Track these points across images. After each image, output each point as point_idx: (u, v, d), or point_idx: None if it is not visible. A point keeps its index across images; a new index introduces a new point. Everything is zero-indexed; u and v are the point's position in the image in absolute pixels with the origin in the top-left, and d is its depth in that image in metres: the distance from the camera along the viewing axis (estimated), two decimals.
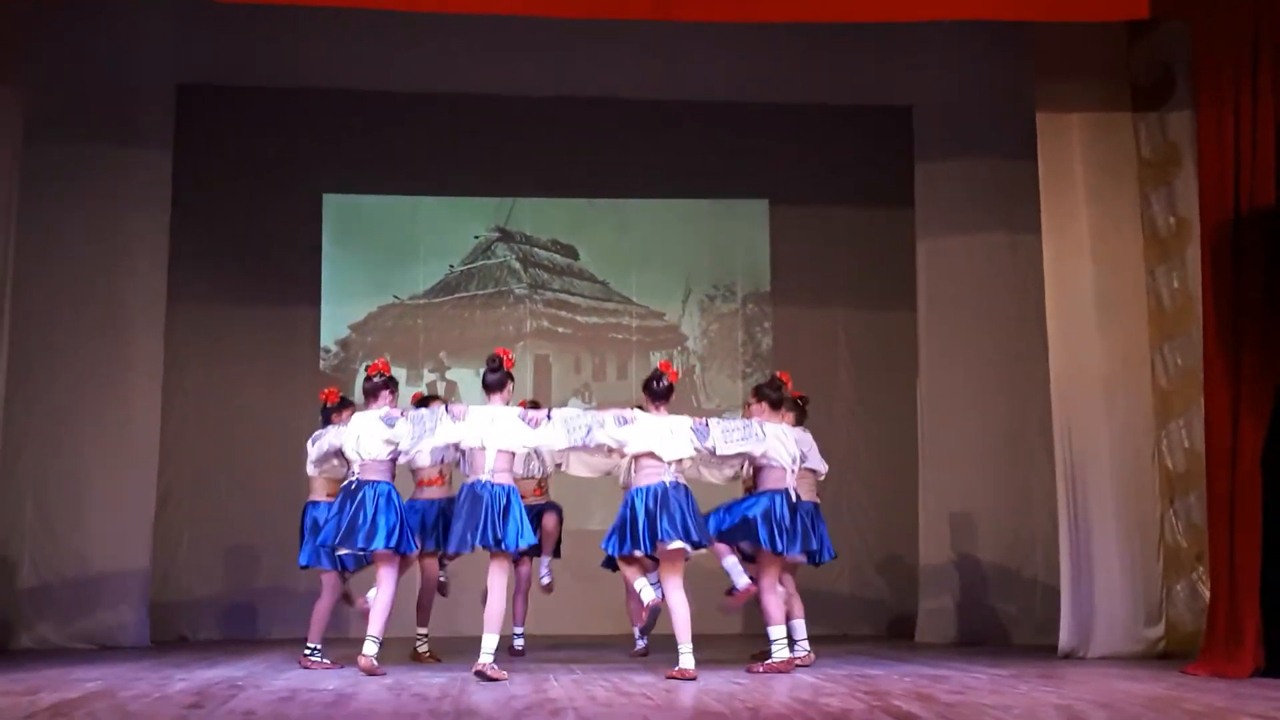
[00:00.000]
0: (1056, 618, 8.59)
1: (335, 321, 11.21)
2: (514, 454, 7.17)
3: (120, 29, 9.54)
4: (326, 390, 7.99)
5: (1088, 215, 8.72)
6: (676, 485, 7.07)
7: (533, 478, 8.51)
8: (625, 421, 7.13)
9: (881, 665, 7.79)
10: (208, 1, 8.09)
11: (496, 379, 7.25)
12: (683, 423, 7.18)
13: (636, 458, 7.13)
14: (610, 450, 7.24)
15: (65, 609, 9.19)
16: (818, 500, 7.86)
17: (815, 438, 7.95)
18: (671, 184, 11.44)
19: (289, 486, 8.31)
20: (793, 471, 7.36)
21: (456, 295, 11.41)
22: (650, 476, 7.08)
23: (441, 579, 8.37)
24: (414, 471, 8.03)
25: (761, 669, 7.21)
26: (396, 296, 11.34)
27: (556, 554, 8.70)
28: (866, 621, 10.80)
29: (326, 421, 7.76)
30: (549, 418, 7.15)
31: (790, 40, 9.69)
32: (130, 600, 9.36)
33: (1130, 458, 8.55)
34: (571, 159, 11.28)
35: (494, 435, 7.07)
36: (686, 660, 6.97)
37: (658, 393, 7.22)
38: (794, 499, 7.33)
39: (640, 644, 8.30)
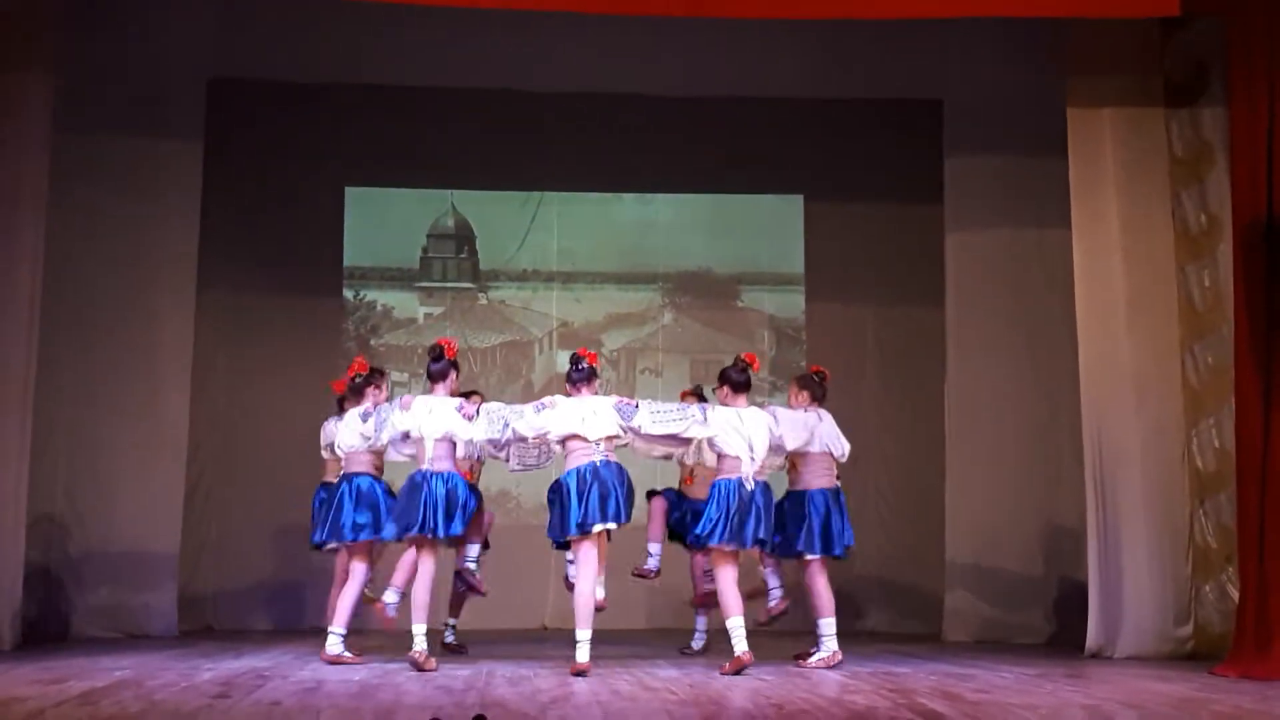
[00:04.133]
0: (1084, 616, 8.55)
1: (360, 314, 11.25)
2: (453, 443, 7.25)
3: (153, 22, 9.59)
4: (338, 381, 8.21)
5: (1118, 212, 8.66)
6: (607, 463, 7.05)
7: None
8: (543, 407, 7.17)
9: (907, 663, 7.77)
10: None
11: (440, 368, 7.37)
12: (605, 402, 7.18)
13: (565, 441, 7.13)
14: (538, 441, 7.24)
15: (94, 598, 9.26)
16: (836, 485, 7.69)
17: (842, 430, 7.83)
18: (704, 180, 11.43)
19: (316, 475, 8.39)
20: (752, 458, 7.21)
21: (480, 287, 11.43)
22: (580, 458, 7.07)
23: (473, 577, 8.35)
24: None
25: (730, 668, 7.06)
26: (420, 288, 11.37)
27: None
28: (891, 617, 10.77)
29: (341, 411, 8.04)
30: (478, 412, 7.23)
31: (822, 36, 9.65)
32: (159, 589, 9.43)
33: (1160, 456, 8.48)
34: (602, 154, 11.27)
35: (430, 425, 7.19)
36: (583, 653, 6.93)
37: (575, 378, 7.23)
38: (749, 488, 7.17)
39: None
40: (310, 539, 8.09)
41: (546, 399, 7.29)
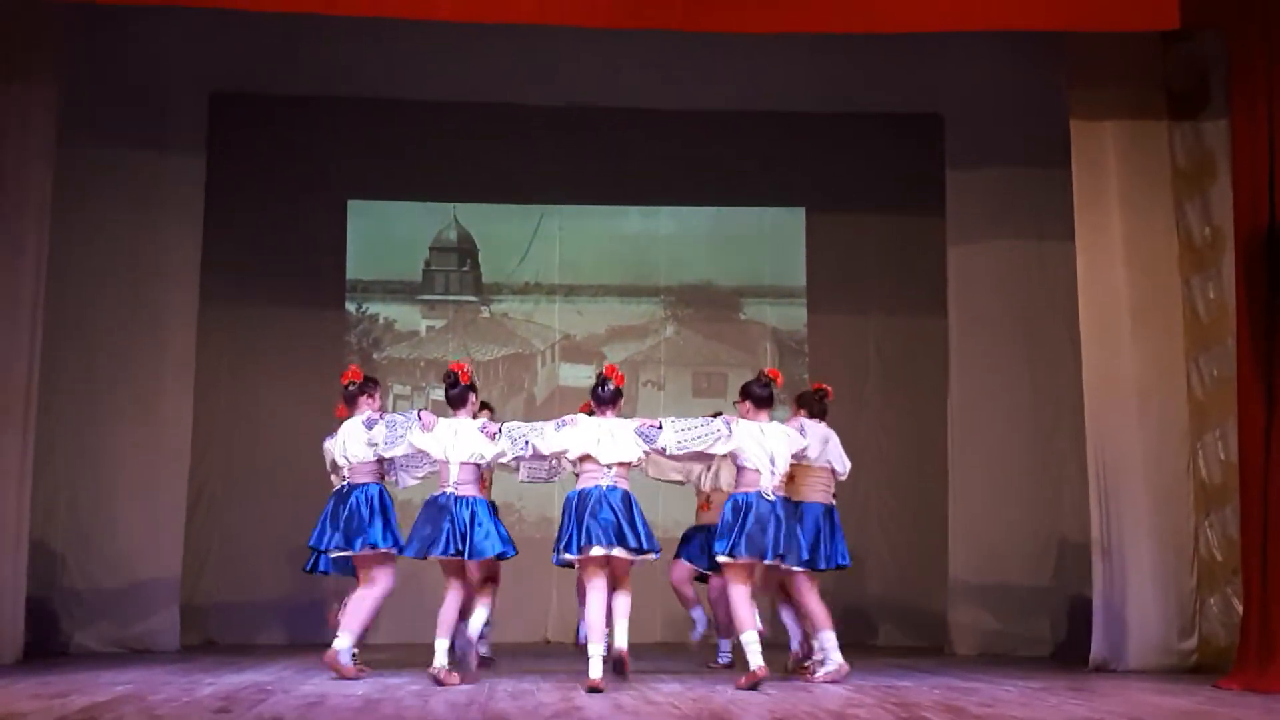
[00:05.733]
0: (1087, 629, 8.53)
1: (363, 327, 11.26)
2: (478, 465, 7.21)
3: (156, 35, 9.60)
4: (340, 406, 8.10)
5: (1121, 223, 8.65)
6: (613, 489, 6.98)
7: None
8: (564, 425, 7.11)
9: (911, 676, 7.75)
10: (240, 10, 8.15)
11: (457, 394, 7.32)
12: (626, 426, 7.10)
13: (579, 460, 7.09)
14: (554, 457, 7.21)
15: (96, 612, 9.25)
16: (831, 503, 7.69)
17: (844, 443, 7.82)
18: (706, 193, 11.44)
19: (318, 489, 8.37)
20: (772, 473, 7.15)
21: (483, 300, 11.43)
22: (588, 480, 7.03)
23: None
24: None
25: (745, 681, 7.00)
26: (422, 301, 11.38)
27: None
28: (895, 631, 10.75)
29: None
30: (500, 431, 7.19)
31: (824, 50, 9.64)
32: (161, 604, 9.41)
33: (1164, 469, 8.47)
34: (604, 167, 11.28)
35: (456, 448, 7.15)
36: (595, 668, 6.84)
37: (603, 397, 7.16)
38: (769, 500, 7.10)
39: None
40: (316, 555, 7.98)
41: (568, 416, 7.21)
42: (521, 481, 7.72)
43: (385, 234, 11.41)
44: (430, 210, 11.49)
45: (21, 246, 8.26)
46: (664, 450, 7.12)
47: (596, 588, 6.99)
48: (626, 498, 7.02)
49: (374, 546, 7.33)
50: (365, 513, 7.33)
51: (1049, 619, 9.74)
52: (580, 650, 8.54)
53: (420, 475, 7.54)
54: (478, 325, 11.43)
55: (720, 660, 8.58)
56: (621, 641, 6.98)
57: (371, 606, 7.42)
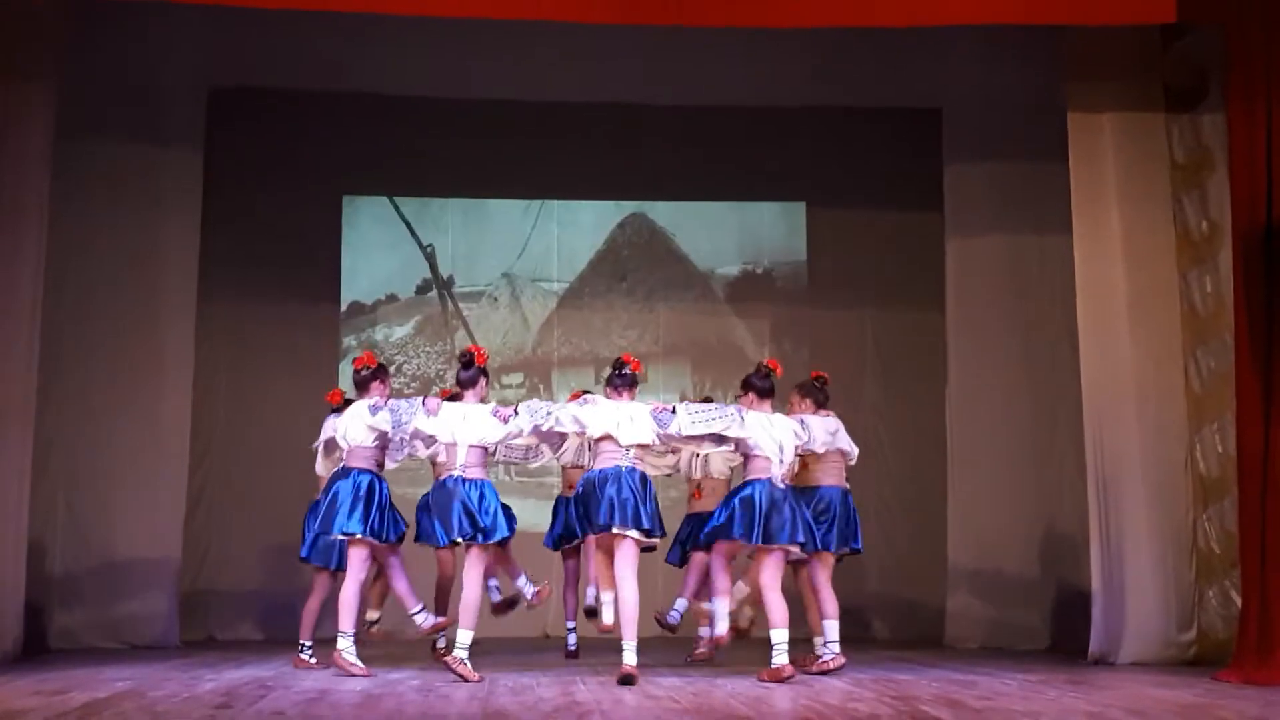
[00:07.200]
0: (1086, 622, 8.55)
1: (360, 322, 11.26)
2: (486, 449, 7.22)
3: (154, 32, 9.60)
4: (331, 392, 8.09)
5: (1119, 217, 8.66)
6: (632, 470, 7.03)
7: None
8: (584, 403, 7.19)
9: (909, 670, 7.76)
10: (238, 7, 8.13)
11: (469, 375, 7.33)
12: (642, 409, 7.17)
13: (597, 441, 7.14)
14: (574, 434, 7.26)
15: (96, 607, 9.25)
16: (846, 486, 7.72)
17: None
18: (706, 187, 11.44)
19: (316, 484, 8.38)
20: (781, 461, 7.16)
21: (481, 295, 11.43)
22: (607, 460, 7.07)
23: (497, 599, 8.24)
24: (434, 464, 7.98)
25: (765, 676, 7.03)
26: (419, 297, 11.38)
27: None
28: (893, 624, 10.77)
29: None
30: (516, 412, 7.21)
31: (822, 44, 9.66)
32: (160, 599, 9.41)
33: (1162, 462, 8.48)
34: (603, 163, 11.30)
35: (465, 431, 7.14)
36: (629, 657, 6.88)
37: (620, 381, 7.23)
38: (780, 487, 7.10)
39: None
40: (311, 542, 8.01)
41: (589, 396, 7.30)
42: (497, 462, 7.68)
43: (383, 229, 11.41)
44: (428, 205, 11.49)
45: (20, 242, 8.24)
46: (678, 433, 7.16)
47: (627, 576, 6.96)
48: (644, 479, 7.08)
49: (348, 534, 7.30)
50: (347, 497, 7.31)
51: (1047, 612, 9.76)
52: (568, 657, 8.54)
53: (399, 458, 7.52)
54: (476, 320, 11.42)
55: (669, 619, 8.36)
56: (630, 658, 6.89)
57: (353, 597, 7.36)
